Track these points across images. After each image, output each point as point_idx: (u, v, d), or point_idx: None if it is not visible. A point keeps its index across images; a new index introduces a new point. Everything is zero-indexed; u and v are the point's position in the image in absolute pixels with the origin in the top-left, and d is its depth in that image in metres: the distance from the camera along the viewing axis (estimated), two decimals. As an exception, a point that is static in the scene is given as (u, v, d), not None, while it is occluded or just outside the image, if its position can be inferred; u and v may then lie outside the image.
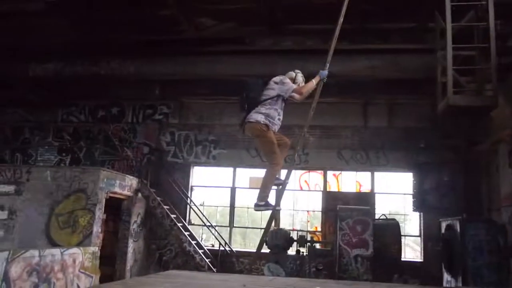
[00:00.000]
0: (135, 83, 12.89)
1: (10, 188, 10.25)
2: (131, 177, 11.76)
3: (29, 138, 14.34)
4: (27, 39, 10.96)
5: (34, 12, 9.53)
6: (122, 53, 11.55)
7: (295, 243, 11.12)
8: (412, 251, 16.36)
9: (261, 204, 5.39)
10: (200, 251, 11.81)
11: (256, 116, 5.32)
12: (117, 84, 13.07)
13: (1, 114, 14.48)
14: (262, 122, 5.26)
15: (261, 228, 13.26)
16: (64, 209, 9.98)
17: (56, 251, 8.47)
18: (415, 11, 9.18)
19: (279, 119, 5.44)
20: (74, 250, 9.04)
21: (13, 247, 9.11)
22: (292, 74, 5.80)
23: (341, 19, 5.72)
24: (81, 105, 14.32)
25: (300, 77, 5.80)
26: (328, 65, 5.72)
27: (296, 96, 5.58)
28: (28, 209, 10.06)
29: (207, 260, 11.68)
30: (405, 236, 12.26)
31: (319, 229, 12.95)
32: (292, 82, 5.63)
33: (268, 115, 5.31)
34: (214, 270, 11.43)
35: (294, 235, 11.42)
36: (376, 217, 11.31)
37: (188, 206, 13.13)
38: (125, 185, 11.27)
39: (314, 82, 5.54)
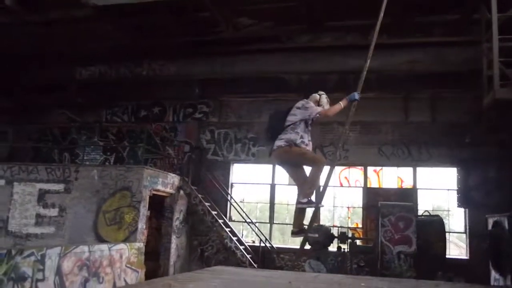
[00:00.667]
0: (175, 83, 13.21)
1: (60, 187, 10.73)
2: (173, 175, 12.04)
3: (76, 138, 14.92)
4: (74, 44, 11.43)
5: (82, 18, 9.91)
6: (164, 54, 11.87)
7: (336, 240, 11.07)
8: (456, 248, 15.95)
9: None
10: (241, 247, 11.96)
11: (277, 142, 5.39)
12: (158, 84, 13.45)
13: (50, 116, 15.17)
14: (283, 145, 5.31)
15: (301, 225, 13.25)
16: (111, 206, 10.34)
17: (104, 247, 8.80)
18: (459, 2, 8.92)
19: (302, 141, 5.39)
20: (121, 245, 9.36)
21: (64, 243, 9.55)
22: (316, 96, 5.78)
23: (379, 22, 5.62)
24: (124, 106, 14.76)
25: (324, 98, 5.78)
26: (360, 87, 5.61)
27: (322, 118, 5.59)
28: (76, 206, 10.50)
29: (248, 256, 11.81)
30: (449, 232, 11.96)
31: (359, 225, 12.84)
32: (317, 105, 5.62)
33: (289, 139, 5.33)
34: (255, 266, 11.55)
35: (334, 232, 11.37)
36: (419, 213, 11.08)
37: (228, 203, 13.30)
38: (167, 182, 11.55)
39: (341, 104, 5.45)
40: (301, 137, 5.40)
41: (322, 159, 5.47)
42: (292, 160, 5.55)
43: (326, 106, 5.68)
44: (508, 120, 10.43)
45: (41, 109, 15.01)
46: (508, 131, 10.96)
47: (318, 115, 5.47)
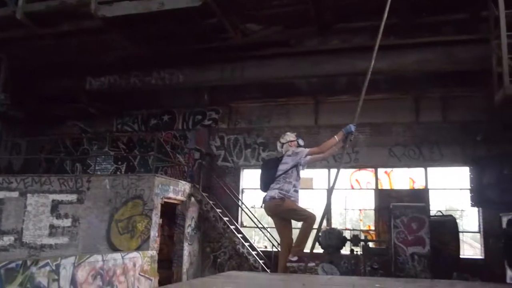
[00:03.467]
0: (184, 90, 13.31)
1: (73, 197, 10.83)
2: (184, 182, 12.08)
3: (87, 148, 15.06)
4: (84, 55, 11.57)
5: (92, 30, 10.04)
6: (172, 63, 11.97)
7: (348, 243, 11.00)
8: (470, 248, 15.76)
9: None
10: (254, 253, 11.94)
11: (270, 193, 5.45)
12: (167, 93, 13.57)
13: (62, 127, 15.36)
14: (276, 197, 5.35)
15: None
16: (123, 215, 10.40)
17: (118, 256, 8.85)
18: (467, 1, 8.90)
19: (295, 190, 5.44)
20: (134, 254, 9.42)
21: (78, 253, 9.62)
22: (287, 136, 5.89)
23: (382, 24, 5.63)
24: (134, 115, 14.87)
25: (300, 141, 5.86)
26: (357, 117, 5.61)
27: (318, 156, 5.63)
28: (89, 216, 10.58)
29: (260, 262, 11.78)
30: (462, 232, 11.84)
31: (372, 227, 12.75)
32: (296, 139, 5.73)
33: (282, 189, 5.39)
34: (268, 271, 11.51)
35: (347, 235, 11.31)
36: (432, 213, 10.99)
37: (239, 209, 13.29)
38: (178, 190, 11.59)
39: (336, 138, 5.48)
40: (294, 186, 5.46)
41: (312, 216, 5.47)
42: (283, 214, 5.56)
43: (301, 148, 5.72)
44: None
45: (53, 121, 15.20)
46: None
47: (309, 156, 5.50)
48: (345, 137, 5.53)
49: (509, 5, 7.62)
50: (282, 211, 5.47)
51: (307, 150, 5.54)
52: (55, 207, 10.83)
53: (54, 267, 7.22)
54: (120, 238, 10.26)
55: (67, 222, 10.70)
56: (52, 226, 10.73)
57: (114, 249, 10.08)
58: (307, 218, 5.40)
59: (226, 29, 10.19)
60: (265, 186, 5.65)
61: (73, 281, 7.59)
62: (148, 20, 9.79)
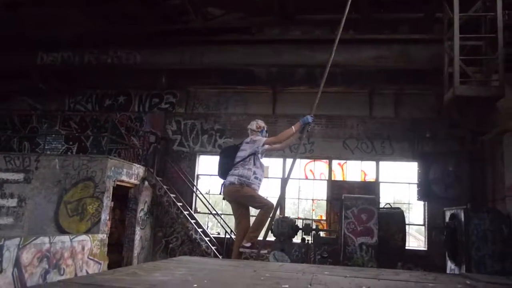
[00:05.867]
0: (142, 72, 12.94)
1: (19, 176, 10.40)
2: (138, 165, 11.88)
3: (36, 126, 14.46)
4: (38, 28, 11.01)
5: (48, 2, 9.58)
6: (130, 42, 11.63)
7: (300, 231, 11.22)
8: (415, 240, 16.48)
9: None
10: (206, 239, 11.96)
11: (229, 178, 5.47)
12: (124, 73, 13.15)
13: (9, 103, 14.62)
14: (236, 183, 5.38)
15: (266, 217, 13.34)
16: (73, 197, 10.13)
17: (66, 238, 8.62)
18: (424, 1, 9.18)
19: (255, 177, 5.47)
20: (83, 237, 9.20)
21: (23, 234, 9.28)
22: (253, 123, 5.91)
23: (343, 19, 5.72)
24: (88, 94, 14.40)
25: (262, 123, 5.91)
26: (314, 108, 5.70)
27: (275, 146, 5.71)
28: (37, 196, 10.22)
29: (213, 248, 11.82)
30: (409, 225, 12.34)
31: (324, 217, 13.06)
32: (260, 129, 5.75)
33: (241, 175, 5.41)
34: (220, 257, 11.57)
35: (299, 224, 11.51)
36: (381, 206, 11.38)
37: (194, 195, 13.23)
38: (132, 173, 11.39)
39: (293, 129, 5.55)
40: (254, 173, 5.47)
41: (270, 204, 5.53)
42: (241, 200, 5.61)
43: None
44: (467, 116, 10.85)
45: (1, 96, 14.42)
46: (467, 126, 11.41)
47: (266, 144, 5.55)
48: (302, 128, 5.61)
49: (463, 7, 7.92)
50: (240, 197, 5.52)
51: (264, 139, 5.60)
52: (0, 186, 10.36)
53: (-4, 249, 6.93)
54: (69, 220, 10.00)
55: (12, 202, 10.28)
56: (-4, 206, 10.28)
57: (62, 231, 9.80)
58: (264, 205, 5.47)
59: (188, 11, 10.03)
60: (222, 173, 5.68)
61: (17, 263, 7.32)
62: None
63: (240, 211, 5.68)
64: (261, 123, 5.91)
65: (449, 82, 8.12)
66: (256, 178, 5.48)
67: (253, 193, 5.47)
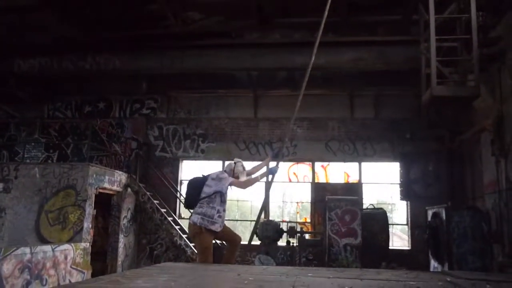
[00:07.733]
0: (122, 77, 12.84)
1: (-2, 186, 10.21)
2: (120, 172, 11.77)
3: (15, 134, 14.20)
4: (14, 34, 10.83)
5: (24, 7, 9.44)
6: (109, 48, 11.53)
7: (285, 234, 11.25)
8: (399, 239, 16.67)
9: None
10: (191, 245, 11.88)
11: (193, 217, 5.45)
12: (103, 79, 13.01)
13: (-14, 111, 14.34)
14: (198, 224, 5.36)
15: (250, 221, 13.38)
16: (54, 205, 9.99)
17: (48, 248, 8.49)
18: (401, 3, 9.31)
19: (219, 216, 5.46)
20: (65, 246, 9.08)
21: (3, 245, 9.10)
22: (232, 165, 5.86)
23: (323, 22, 5.78)
24: (67, 101, 14.20)
25: (240, 166, 5.84)
26: (294, 116, 5.88)
27: (238, 187, 5.70)
28: (17, 206, 10.06)
29: (198, 253, 11.74)
30: (392, 225, 12.49)
31: (308, 220, 13.11)
32: (232, 173, 5.72)
33: (205, 214, 5.40)
34: (205, 262, 11.51)
35: (284, 227, 11.54)
36: (364, 206, 11.49)
37: (177, 200, 13.16)
38: (114, 180, 11.27)
39: (259, 178, 5.72)
40: (218, 211, 5.47)
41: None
42: (195, 244, 5.76)
43: (242, 176, 5.75)
44: (445, 115, 11.06)
45: (-24, 104, 14.16)
46: (445, 126, 11.62)
47: (230, 186, 5.57)
48: (267, 174, 5.85)
49: (439, 9, 8.05)
50: (195, 242, 5.62)
51: (230, 179, 5.57)
52: (-22, 196, 10.16)
53: (-25, 260, 6.80)
54: (50, 229, 9.87)
55: (-9, 213, 10.07)
56: (-26, 217, 10.06)
57: (44, 241, 9.68)
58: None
59: (167, 16, 9.99)
60: (188, 205, 5.70)
61: (-2, 275, 7.19)
62: (85, 2, 9.39)
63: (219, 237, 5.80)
64: (240, 168, 5.84)
65: (427, 83, 8.24)
66: (219, 216, 5.46)
67: (206, 246, 5.44)
